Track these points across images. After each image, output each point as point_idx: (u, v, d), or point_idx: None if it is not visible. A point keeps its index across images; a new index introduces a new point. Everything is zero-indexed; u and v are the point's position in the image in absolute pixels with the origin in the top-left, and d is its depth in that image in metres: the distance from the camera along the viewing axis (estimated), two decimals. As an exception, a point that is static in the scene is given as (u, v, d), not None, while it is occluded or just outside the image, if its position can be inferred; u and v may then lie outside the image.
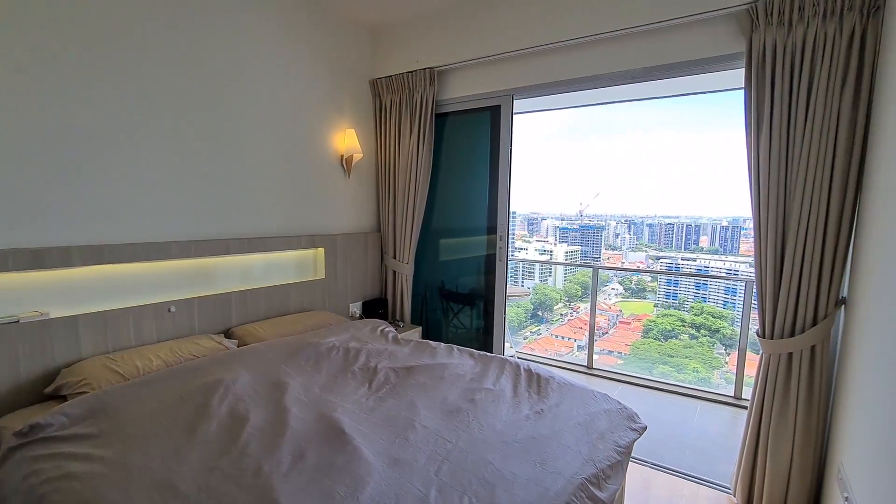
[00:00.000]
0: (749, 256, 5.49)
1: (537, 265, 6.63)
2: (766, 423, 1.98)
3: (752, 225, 2.04)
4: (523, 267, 6.38)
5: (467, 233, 3.20)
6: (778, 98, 1.88)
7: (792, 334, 1.91)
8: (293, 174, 2.74)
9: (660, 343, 5.53)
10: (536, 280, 6.59)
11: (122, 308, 1.98)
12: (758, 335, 2.01)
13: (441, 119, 3.12)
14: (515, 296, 3.79)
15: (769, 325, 1.96)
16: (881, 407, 1.33)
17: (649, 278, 6.19)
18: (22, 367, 1.70)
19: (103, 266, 1.92)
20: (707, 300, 5.48)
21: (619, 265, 6.22)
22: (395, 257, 3.24)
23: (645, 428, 1.70)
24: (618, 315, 5.91)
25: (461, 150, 3.18)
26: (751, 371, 3.31)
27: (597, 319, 4.10)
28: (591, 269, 4.30)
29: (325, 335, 2.33)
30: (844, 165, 1.79)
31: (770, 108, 1.91)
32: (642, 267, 6.26)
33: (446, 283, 3.36)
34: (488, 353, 2.25)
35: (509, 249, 3.01)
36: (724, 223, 5.80)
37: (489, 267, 3.06)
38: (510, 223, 2.95)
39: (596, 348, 4.02)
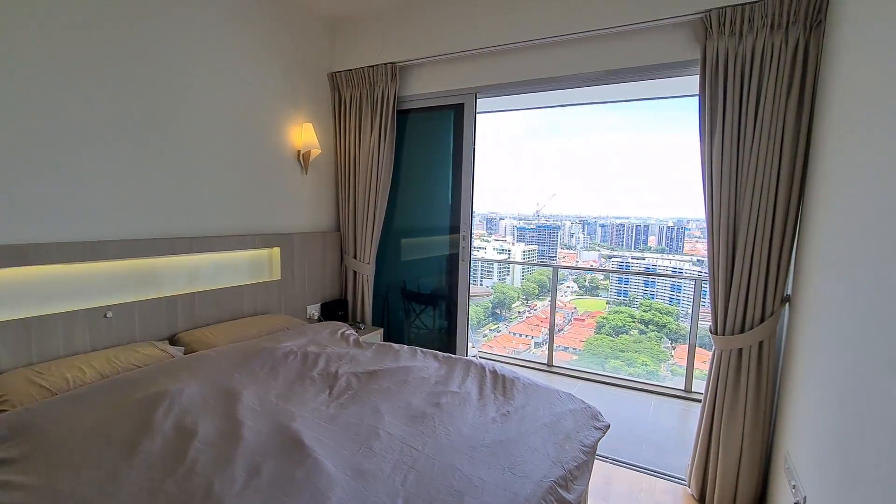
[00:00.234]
0: (692, 255, 5.82)
1: (495, 264, 6.70)
2: (718, 416, 2.06)
3: (704, 227, 2.11)
4: (482, 266, 6.43)
5: (430, 232, 3.15)
6: (730, 104, 1.96)
7: (742, 331, 2.00)
8: (246, 169, 2.59)
9: (612, 339, 5.74)
10: (495, 279, 6.67)
11: (49, 314, 1.79)
12: (711, 332, 2.09)
13: (403, 116, 3.05)
14: (477, 295, 3.80)
15: (721, 323, 2.05)
16: (824, 398, 1.41)
17: (602, 276, 6.42)
18: (-75, 384, 1.50)
19: (27, 268, 1.72)
20: (655, 297, 5.75)
21: (575, 264, 6.40)
22: (355, 257, 3.14)
23: (608, 426, 1.72)
24: (572, 312, 6.07)
25: (424, 148, 3.13)
26: (696, 364, 3.49)
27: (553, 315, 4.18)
28: (551, 269, 4.37)
29: (281, 340, 2.21)
30: (789, 170, 1.89)
31: (723, 113, 1.98)
32: (595, 265, 6.47)
33: (408, 284, 3.30)
34: (453, 355, 2.21)
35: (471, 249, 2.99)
36: (670, 224, 6.09)
37: (452, 266, 3.02)
38: (472, 222, 2.93)
39: (547, 342, 4.10)
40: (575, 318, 6.05)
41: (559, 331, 5.86)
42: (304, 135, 2.87)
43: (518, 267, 6.71)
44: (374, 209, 2.99)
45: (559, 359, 4.11)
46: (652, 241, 6.28)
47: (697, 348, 3.48)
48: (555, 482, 1.31)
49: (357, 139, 3.05)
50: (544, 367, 3.99)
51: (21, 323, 1.71)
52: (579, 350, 5.69)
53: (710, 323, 2.12)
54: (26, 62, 1.69)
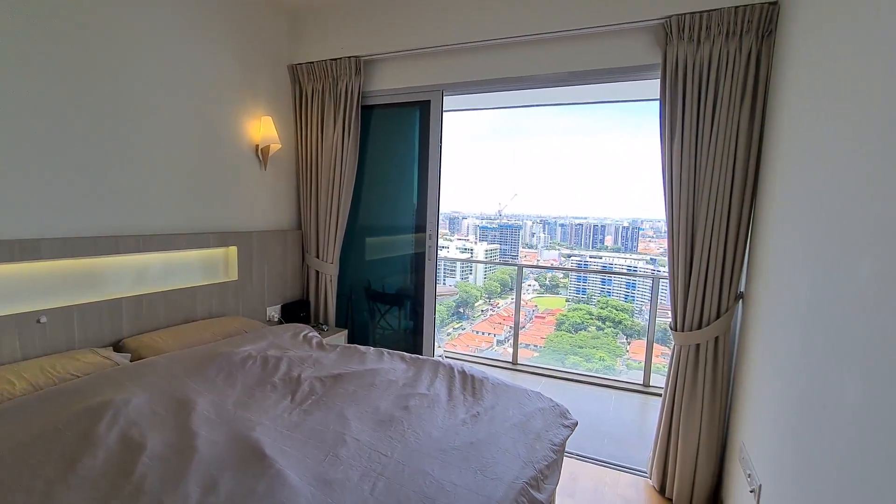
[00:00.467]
0: (646, 254, 6.07)
1: (458, 263, 6.73)
2: (677, 409, 2.13)
3: (657, 227, 2.18)
4: (445, 265, 6.44)
5: (395, 231, 3.09)
6: (689, 108, 2.03)
7: (699, 327, 2.07)
8: (199, 164, 2.44)
9: (571, 335, 5.89)
10: (458, 278, 6.69)
11: (-29, 320, 1.61)
12: (670, 328, 2.16)
13: (368, 111, 2.98)
14: (443, 295, 3.77)
15: (680, 319, 2.12)
16: (776, 389, 1.48)
17: (562, 275, 6.58)
18: None
19: (-56, 269, 1.54)
20: (611, 294, 5.94)
21: (536, 263, 6.52)
22: (318, 256, 3.04)
23: (576, 424, 1.74)
24: (533, 310, 6.19)
25: (389, 145, 3.07)
26: (643, 357, 3.62)
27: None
28: (515, 268, 4.41)
29: (238, 343, 2.10)
30: (743, 173, 1.97)
31: (682, 117, 2.05)
32: (556, 264, 6.62)
33: (373, 283, 3.22)
34: (421, 356, 2.17)
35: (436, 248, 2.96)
36: (625, 224, 6.31)
37: (418, 266, 2.98)
38: (438, 221, 2.90)
39: (512, 340, 4.15)
40: (536, 316, 6.17)
41: (521, 328, 5.97)
42: (263, 129, 2.75)
43: (481, 266, 6.76)
44: (338, 207, 2.90)
45: (521, 356, 4.16)
46: (608, 240, 6.49)
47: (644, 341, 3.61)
48: (526, 483, 1.30)
49: (319, 134, 2.94)
50: (509, 366, 4.02)
51: (-63, 331, 1.53)
52: (540, 347, 5.81)
53: (667, 319, 2.19)
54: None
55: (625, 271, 5.97)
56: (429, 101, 2.80)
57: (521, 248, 6.89)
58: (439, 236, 2.89)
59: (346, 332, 3.01)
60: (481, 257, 6.70)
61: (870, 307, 0.93)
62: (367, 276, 3.22)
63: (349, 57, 2.78)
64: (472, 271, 6.75)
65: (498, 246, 6.92)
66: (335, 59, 2.82)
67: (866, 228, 0.98)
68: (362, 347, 2.27)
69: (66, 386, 1.55)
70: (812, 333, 1.23)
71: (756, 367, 1.76)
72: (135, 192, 2.13)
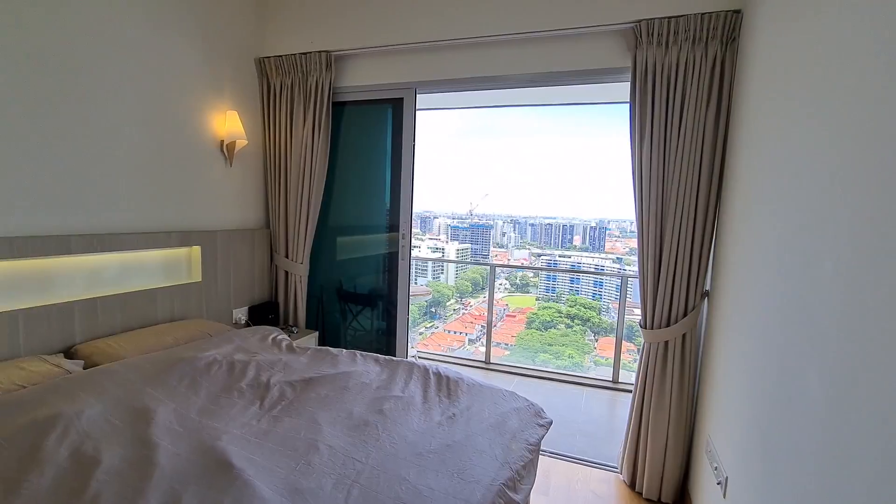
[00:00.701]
0: (612, 254, 6.23)
1: (430, 263, 6.73)
2: (647, 405, 2.18)
3: (623, 227, 2.23)
4: (417, 265, 6.42)
5: (367, 230, 3.04)
6: (658, 111, 2.08)
7: (668, 324, 2.13)
8: (159, 159, 2.32)
9: (541, 333, 5.99)
10: (429, 278, 6.69)
11: None
12: (640, 326, 2.21)
13: (339, 108, 2.91)
14: (417, 295, 3.74)
15: (650, 317, 2.16)
16: (741, 384, 1.53)
17: (532, 274, 6.67)
18: None
19: None
20: (580, 293, 6.07)
21: (507, 262, 6.59)
22: (287, 256, 2.94)
23: (551, 423, 1.75)
24: (504, 309, 6.26)
25: (361, 142, 3.01)
26: (612, 354, 3.71)
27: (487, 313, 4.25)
28: (487, 267, 4.43)
29: (203, 348, 2.00)
30: (708, 174, 2.03)
31: (651, 119, 2.09)
32: (526, 263, 6.71)
33: (345, 284, 3.16)
34: (395, 358, 2.14)
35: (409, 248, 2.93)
36: (593, 224, 6.46)
37: (391, 265, 2.94)
38: (411, 221, 2.87)
39: (485, 340, 4.16)
40: (507, 315, 6.24)
41: (492, 327, 6.03)
42: (229, 123, 2.64)
43: (452, 265, 6.77)
44: (308, 205, 2.82)
45: (493, 355, 4.18)
46: (577, 239, 6.62)
47: (612, 339, 3.70)
48: (503, 484, 1.29)
49: (288, 130, 2.85)
50: (482, 365, 4.02)
51: None
52: (511, 345, 5.88)
53: (634, 317, 2.24)
54: None
55: (593, 270, 6.10)
56: (402, 99, 2.76)
57: (492, 248, 6.95)
58: (412, 236, 2.86)
59: (316, 334, 2.94)
60: (453, 257, 6.72)
61: (832, 304, 0.97)
62: (339, 276, 3.15)
63: (319, 51, 2.71)
64: (444, 271, 6.76)
65: (469, 245, 6.96)
66: (305, 54, 2.74)
67: (827, 228, 1.02)
68: (334, 350, 2.21)
69: (9, 398, 1.44)
70: (776, 329, 1.27)
71: (721, 363, 1.82)
72: (87, 187, 2.00)
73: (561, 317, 6.00)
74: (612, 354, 3.71)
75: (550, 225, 6.85)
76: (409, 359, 2.76)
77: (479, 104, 3.87)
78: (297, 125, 2.81)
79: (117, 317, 2.12)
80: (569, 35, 2.30)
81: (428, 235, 7.20)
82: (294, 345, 2.28)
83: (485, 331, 4.20)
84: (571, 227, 6.64)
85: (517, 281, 6.61)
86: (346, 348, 2.26)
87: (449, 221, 7.11)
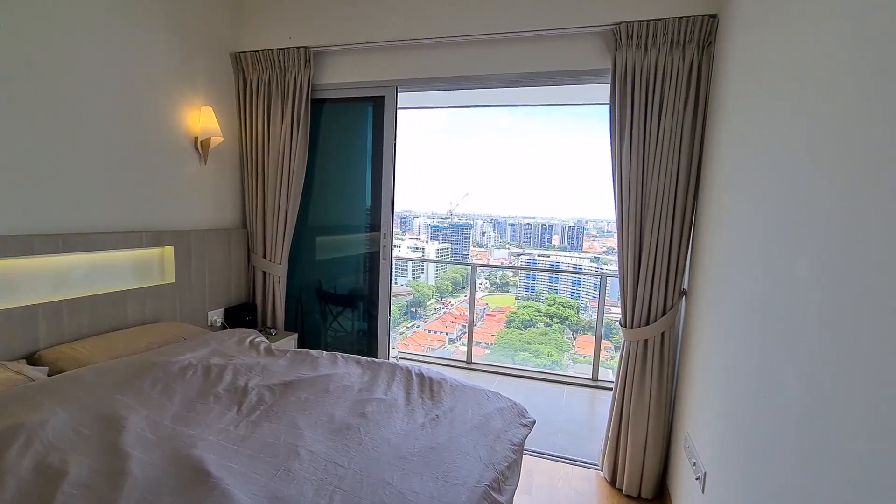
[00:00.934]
0: (590, 253, 6.33)
1: (409, 263, 6.71)
2: (627, 403, 2.21)
3: (601, 227, 2.26)
4: (397, 264, 6.39)
5: (347, 230, 3.00)
6: (637, 113, 2.11)
7: (647, 323, 2.16)
8: (129, 155, 2.23)
9: (520, 332, 6.04)
10: (409, 277, 6.67)
11: None
12: (620, 325, 2.24)
13: (318, 105, 2.86)
14: (398, 295, 3.71)
15: (629, 316, 2.19)
16: (719, 381, 1.56)
17: (511, 273, 6.72)
18: None
19: None
20: (559, 291, 6.15)
21: (487, 262, 6.62)
22: (265, 256, 2.88)
23: (534, 422, 1.75)
24: (484, 308, 6.28)
25: (341, 140, 2.96)
26: (591, 352, 3.76)
27: (468, 313, 4.26)
28: (468, 267, 4.43)
29: (177, 352, 1.93)
30: (686, 175, 2.07)
31: (630, 121, 2.12)
32: (506, 262, 6.75)
33: (324, 284, 3.11)
34: (376, 360, 2.11)
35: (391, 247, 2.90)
36: (571, 224, 6.55)
37: (372, 265, 2.90)
38: (393, 220, 2.84)
39: (467, 340, 4.17)
40: (487, 314, 6.27)
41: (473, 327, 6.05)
42: (203, 120, 2.56)
43: (432, 265, 6.77)
44: (287, 204, 2.76)
45: (474, 354, 4.19)
46: (556, 239, 6.70)
47: (590, 336, 3.75)
48: (488, 486, 1.29)
49: (266, 128, 2.79)
50: (464, 365, 4.02)
51: None
52: (491, 344, 5.91)
53: (611, 315, 2.27)
54: None
55: (572, 269, 6.19)
56: (382, 97, 2.73)
57: (471, 247, 6.97)
58: (393, 236, 2.83)
59: (295, 335, 2.88)
60: (433, 256, 6.71)
61: (808, 302, 0.99)
62: (319, 276, 3.10)
63: (298, 47, 2.65)
64: (424, 270, 6.75)
65: (449, 245, 6.97)
66: (283, 49, 2.68)
67: (803, 227, 1.05)
68: (314, 352, 2.17)
69: (-32, 407, 1.35)
70: (754, 327, 1.30)
71: (699, 361, 1.86)
72: (51, 185, 1.91)
73: (540, 315, 6.07)
74: (589, 352, 3.76)
75: (530, 225, 6.91)
76: (390, 360, 2.73)
77: (460, 104, 3.87)
78: (274, 122, 2.75)
79: (85, 320, 2.03)
80: (550, 36, 2.31)
81: (408, 235, 7.18)
82: (273, 347, 2.23)
83: (465, 330, 4.20)
84: (550, 226, 6.71)
85: (497, 280, 6.65)
86: (327, 350, 2.22)
87: (429, 221, 7.11)
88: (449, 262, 6.75)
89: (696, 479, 1.66)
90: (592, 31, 2.23)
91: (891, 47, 0.79)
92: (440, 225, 7.07)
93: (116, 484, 1.13)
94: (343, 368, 2.00)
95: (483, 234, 7.17)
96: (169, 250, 2.43)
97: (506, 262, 6.76)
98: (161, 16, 2.34)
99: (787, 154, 1.18)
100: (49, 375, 1.69)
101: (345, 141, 2.96)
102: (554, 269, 6.25)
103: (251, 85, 2.80)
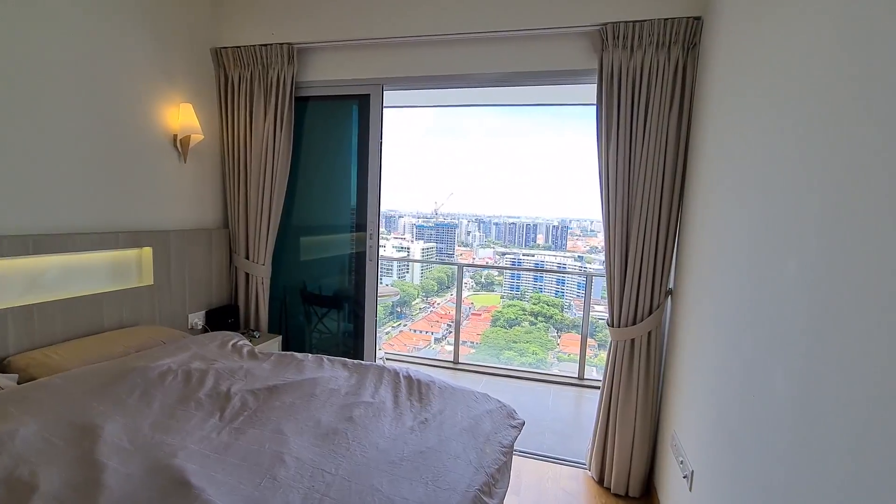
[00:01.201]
0: (574, 252, 6.39)
1: (395, 263, 6.69)
2: (614, 403, 2.22)
3: (584, 227, 2.27)
4: (382, 264, 6.36)
5: (332, 230, 2.95)
6: (623, 113, 2.11)
7: (634, 323, 2.17)
8: (104, 152, 2.15)
9: (505, 330, 6.07)
10: (395, 277, 6.64)
11: None
12: (608, 325, 2.25)
13: (302, 103, 2.80)
14: (384, 296, 3.67)
15: (617, 316, 2.20)
16: (706, 380, 1.57)
17: (496, 273, 6.75)
18: None
19: None
20: (543, 290, 6.19)
21: (472, 261, 6.63)
22: (247, 257, 2.81)
23: (523, 424, 1.74)
24: (470, 308, 6.29)
25: (326, 139, 2.91)
26: (575, 350, 3.79)
27: (454, 313, 4.25)
28: (454, 267, 4.41)
29: (156, 356, 1.87)
30: (672, 176, 2.09)
31: (617, 121, 2.13)
32: (491, 262, 6.77)
33: (309, 285, 3.05)
34: (363, 362, 2.07)
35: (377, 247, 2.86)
36: (555, 223, 6.60)
37: (358, 266, 2.86)
38: (379, 220, 2.80)
39: (452, 339, 4.16)
40: (472, 314, 6.28)
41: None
42: (182, 117, 2.48)
43: (417, 265, 6.75)
44: (270, 204, 2.70)
45: (460, 353, 4.17)
46: (540, 238, 6.74)
47: (574, 335, 3.77)
48: (479, 490, 1.27)
49: (248, 126, 2.72)
50: (451, 365, 4.01)
51: None
52: (476, 343, 5.92)
53: (596, 314, 2.27)
54: None
55: (557, 269, 6.23)
56: (368, 96, 2.69)
57: (456, 247, 6.97)
58: (379, 236, 2.79)
59: (280, 338, 2.82)
60: (418, 256, 6.69)
61: (797, 301, 1.00)
62: (303, 277, 3.04)
63: (281, 44, 2.60)
64: (409, 270, 6.73)
65: (434, 244, 6.96)
66: (265, 45, 2.62)
67: (791, 228, 1.05)
68: (299, 355, 2.12)
69: (-70, 419, 1.28)
70: (742, 327, 1.31)
71: (686, 360, 1.87)
72: (20, 183, 1.82)
73: (525, 314, 6.10)
74: (573, 350, 3.79)
75: (514, 224, 6.94)
76: (377, 361, 2.70)
77: (446, 103, 3.85)
78: (257, 120, 2.69)
79: (58, 325, 1.95)
80: (536, 35, 2.30)
81: (393, 235, 7.15)
82: (256, 350, 2.17)
83: (451, 329, 4.19)
84: (535, 226, 6.75)
85: (482, 279, 6.67)
86: (312, 353, 2.18)
87: (414, 220, 7.09)
88: (435, 262, 6.74)
89: (684, 477, 1.67)
90: (579, 32, 2.23)
91: (874, 47, 0.80)
92: (425, 224, 7.05)
93: (91, 497, 1.08)
94: (329, 371, 1.96)
95: (468, 233, 7.18)
96: (147, 251, 2.36)
97: (491, 262, 6.78)
98: (136, 9, 2.26)
99: (773, 154, 1.19)
100: (19, 383, 1.61)
101: (330, 140, 2.91)
102: (540, 269, 6.29)
103: (232, 81, 2.73)
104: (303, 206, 2.96)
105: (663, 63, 2.05)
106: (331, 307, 3.06)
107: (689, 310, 1.89)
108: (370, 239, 2.77)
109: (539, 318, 5.99)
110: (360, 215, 2.80)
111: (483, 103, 3.80)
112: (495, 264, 6.64)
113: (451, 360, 4.08)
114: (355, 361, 2.08)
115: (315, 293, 3.05)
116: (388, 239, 6.96)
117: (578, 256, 6.26)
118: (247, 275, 2.83)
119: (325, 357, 2.11)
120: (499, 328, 6.13)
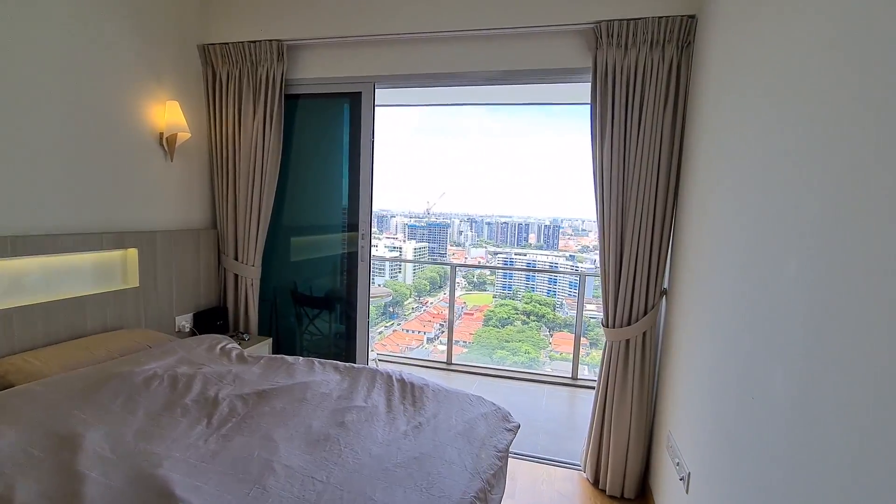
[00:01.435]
0: (566, 251, 6.40)
1: (387, 262, 6.65)
2: (609, 403, 2.21)
3: (576, 226, 2.25)
4: (374, 264, 6.31)
5: (324, 230, 2.90)
6: (618, 112, 2.10)
7: (629, 323, 2.16)
8: (88, 152, 2.08)
9: (498, 330, 6.06)
10: (387, 277, 6.60)
11: None
12: (603, 325, 2.23)
13: (292, 101, 2.75)
14: (377, 296, 3.63)
15: (612, 316, 2.19)
16: (701, 381, 1.56)
17: (488, 272, 6.74)
18: None
19: None
20: (535, 290, 6.19)
21: (464, 261, 6.61)
22: (237, 258, 2.75)
23: (518, 426, 1.72)
24: (462, 307, 6.27)
25: (317, 138, 2.86)
26: (567, 349, 3.78)
27: (446, 313, 4.23)
28: (445, 266, 4.39)
29: (141, 361, 1.82)
30: (666, 175, 2.08)
31: (611, 120, 2.11)
32: (483, 261, 6.75)
33: (300, 286, 3.00)
34: (356, 365, 2.03)
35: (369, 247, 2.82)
36: (547, 223, 6.60)
37: (349, 266, 2.82)
38: (371, 220, 2.76)
39: (445, 339, 4.13)
40: (465, 313, 6.26)
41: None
42: (169, 115, 2.42)
43: (409, 265, 6.72)
44: (259, 204, 2.65)
45: (453, 353, 4.15)
46: (532, 238, 6.74)
47: (566, 334, 3.76)
48: (475, 496, 1.24)
49: (237, 124, 2.67)
50: (444, 366, 3.98)
51: None
52: (469, 343, 5.90)
53: (588, 313, 2.26)
54: None
55: (549, 269, 6.24)
56: (360, 94, 2.65)
57: (449, 247, 6.95)
58: (371, 236, 2.75)
59: (270, 341, 2.77)
60: (410, 256, 6.66)
61: (796, 302, 0.98)
62: (294, 278, 2.99)
63: (270, 40, 2.54)
64: (402, 270, 6.70)
65: (426, 244, 6.93)
66: (254, 42, 2.57)
67: (791, 228, 1.04)
68: (290, 358, 2.08)
69: None
70: (740, 328, 1.29)
71: (682, 360, 1.86)
72: (1, 182, 1.76)
73: (517, 314, 6.10)
74: (566, 349, 3.78)
75: (506, 223, 6.93)
76: (369, 363, 2.66)
77: (438, 102, 3.82)
78: (245, 118, 2.63)
79: (39, 329, 1.88)
80: (530, 33, 2.28)
81: (385, 234, 7.11)
82: (245, 354, 2.13)
83: (443, 329, 4.16)
84: (527, 225, 6.74)
85: (474, 279, 6.65)
86: (303, 355, 2.14)
87: (406, 220, 7.06)
88: (427, 262, 6.71)
89: (680, 479, 1.66)
90: (573, 30, 2.21)
91: (872, 44, 0.78)
92: (417, 224, 7.02)
93: (71, 511, 1.03)
94: (320, 375, 1.92)
95: (460, 233, 7.16)
96: (132, 252, 2.30)
97: (483, 261, 6.76)
98: (122, 4, 2.20)
99: (769, 153, 1.17)
100: (-3, 390, 1.55)
101: (321, 138, 2.87)
102: (532, 269, 6.28)
103: (220, 79, 2.67)
104: (293, 205, 2.91)
105: (657, 61, 2.04)
106: (322, 308, 3.02)
107: (685, 310, 1.88)
108: (362, 239, 2.73)
109: (531, 317, 5.99)
110: (352, 215, 2.76)
111: (475, 102, 3.77)
112: (487, 264, 6.63)
113: (444, 360, 4.05)
114: (347, 364, 2.04)
115: (306, 294, 3.01)
116: (380, 239, 6.92)
117: (570, 256, 6.27)
118: (236, 276, 2.78)
119: (316, 360, 2.07)
120: (491, 327, 6.12)
